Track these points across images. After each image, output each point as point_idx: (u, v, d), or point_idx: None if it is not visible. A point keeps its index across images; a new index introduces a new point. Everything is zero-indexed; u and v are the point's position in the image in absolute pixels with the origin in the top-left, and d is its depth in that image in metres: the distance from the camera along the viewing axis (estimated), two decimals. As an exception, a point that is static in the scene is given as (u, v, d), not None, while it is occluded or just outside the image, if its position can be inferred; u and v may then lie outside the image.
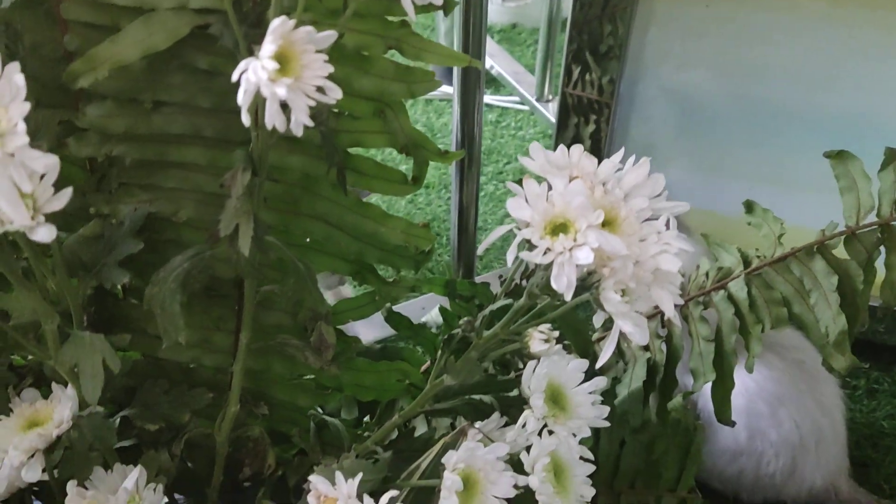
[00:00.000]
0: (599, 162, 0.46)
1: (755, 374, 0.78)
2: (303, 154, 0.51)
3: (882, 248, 0.59)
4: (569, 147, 0.46)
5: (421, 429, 0.71)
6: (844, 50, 0.93)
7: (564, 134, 1.14)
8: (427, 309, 1.05)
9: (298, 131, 0.39)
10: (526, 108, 1.61)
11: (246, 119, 0.38)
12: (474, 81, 0.86)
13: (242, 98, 0.37)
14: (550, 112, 1.52)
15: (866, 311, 0.59)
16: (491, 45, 1.76)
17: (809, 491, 0.86)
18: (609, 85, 1.09)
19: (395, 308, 0.77)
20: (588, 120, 1.13)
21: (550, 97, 1.56)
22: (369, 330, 0.95)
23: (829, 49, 0.94)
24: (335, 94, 0.38)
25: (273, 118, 0.38)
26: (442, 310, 0.80)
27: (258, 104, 0.39)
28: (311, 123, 0.38)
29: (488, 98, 1.67)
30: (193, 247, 0.49)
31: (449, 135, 1.56)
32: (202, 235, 0.52)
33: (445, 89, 1.63)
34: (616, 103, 1.09)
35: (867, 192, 0.60)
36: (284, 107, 0.39)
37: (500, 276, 0.81)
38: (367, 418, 0.78)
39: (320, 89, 0.39)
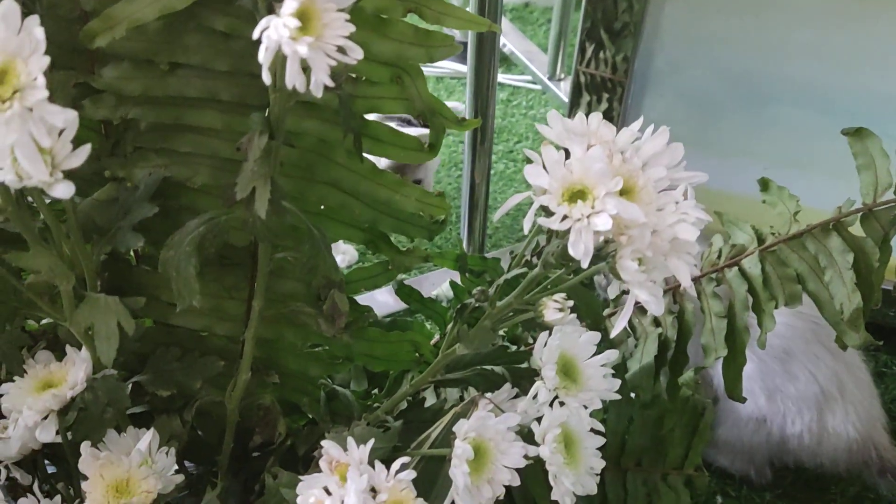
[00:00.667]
0: (616, 135, 0.46)
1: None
2: (319, 119, 0.51)
3: None
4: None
5: (430, 400, 0.71)
6: (863, 30, 0.92)
7: (576, 112, 1.13)
8: (437, 285, 1.05)
9: (318, 92, 0.39)
10: (538, 87, 1.60)
11: (267, 77, 0.37)
12: (488, 58, 0.86)
13: (263, 56, 0.37)
14: (562, 91, 1.51)
15: (880, 289, 0.59)
16: (503, 23, 1.75)
17: (847, 448, 0.83)
18: (623, 63, 1.08)
19: (406, 282, 0.78)
20: (601, 98, 1.13)
21: (563, 76, 1.55)
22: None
23: (847, 29, 0.93)
24: (356, 54, 0.38)
25: (294, 77, 0.38)
26: (452, 284, 0.80)
27: (278, 64, 0.39)
28: (331, 84, 0.38)
29: (500, 77, 1.66)
30: (209, 212, 0.48)
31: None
32: (217, 203, 0.52)
33: (458, 67, 1.62)
34: (630, 81, 1.08)
35: (885, 169, 0.59)
36: (304, 68, 0.38)
37: (511, 252, 0.82)
38: (375, 391, 0.78)
39: (341, 50, 0.38)
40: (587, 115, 0.45)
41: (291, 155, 0.52)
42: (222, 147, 0.51)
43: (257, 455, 0.70)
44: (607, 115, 1.12)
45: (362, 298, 0.63)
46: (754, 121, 1.03)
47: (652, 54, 1.06)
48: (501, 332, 0.83)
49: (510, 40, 1.66)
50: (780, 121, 1.02)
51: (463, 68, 1.17)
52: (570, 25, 1.53)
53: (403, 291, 0.77)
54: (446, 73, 1.64)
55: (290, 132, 0.51)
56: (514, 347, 0.82)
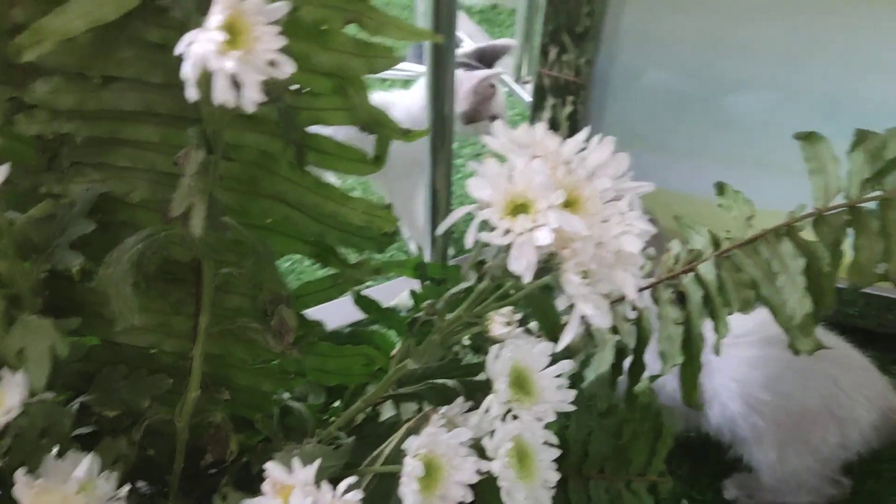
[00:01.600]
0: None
1: (738, 375, 0.78)
2: (260, 132, 0.50)
3: (850, 230, 0.59)
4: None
5: (388, 413, 0.70)
6: (819, 30, 0.92)
7: (541, 115, 1.13)
8: (400, 293, 1.04)
9: (250, 108, 0.38)
10: (504, 89, 1.59)
11: (192, 94, 0.36)
12: (446, 60, 0.85)
13: (189, 72, 0.36)
14: (528, 93, 1.50)
15: (833, 294, 0.59)
16: (470, 25, 1.75)
17: (874, 428, 0.85)
18: (586, 66, 1.08)
19: (368, 291, 0.76)
20: (565, 101, 1.12)
21: (529, 78, 1.55)
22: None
23: (804, 29, 0.93)
24: (288, 68, 0.37)
25: (222, 93, 0.36)
26: (412, 293, 0.79)
27: (206, 79, 0.38)
28: (262, 99, 0.37)
29: (465, 79, 1.65)
30: (148, 228, 0.47)
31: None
32: (157, 217, 0.50)
33: (419, 68, 1.61)
34: (592, 84, 1.08)
35: (836, 174, 0.59)
36: (236, 82, 0.37)
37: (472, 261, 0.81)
38: (336, 403, 0.77)
39: (273, 63, 0.37)
40: (552, 117, 0.44)
41: (233, 168, 0.51)
42: (161, 161, 0.50)
43: (213, 473, 0.69)
44: (572, 118, 1.12)
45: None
46: (715, 122, 1.03)
47: (613, 57, 1.06)
48: (466, 341, 0.82)
49: (477, 42, 1.65)
50: (739, 121, 1.02)
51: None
52: (536, 27, 1.52)
53: (362, 302, 0.76)
54: (412, 76, 1.63)
55: (231, 145, 0.50)
56: (475, 357, 0.81)
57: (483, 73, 1.18)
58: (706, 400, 0.85)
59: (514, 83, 1.55)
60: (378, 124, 0.49)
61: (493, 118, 1.18)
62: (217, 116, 0.42)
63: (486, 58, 1.21)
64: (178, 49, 0.35)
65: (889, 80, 0.90)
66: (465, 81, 1.16)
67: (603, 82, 1.08)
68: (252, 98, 0.37)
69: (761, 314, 0.85)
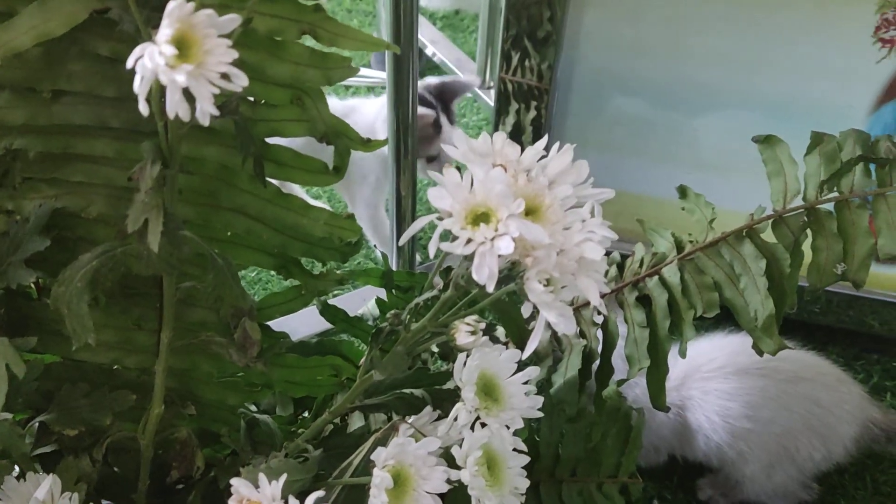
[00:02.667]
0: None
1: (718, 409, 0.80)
2: (219, 145, 0.49)
3: (808, 232, 0.60)
4: (510, 135, 0.45)
5: (357, 424, 0.69)
6: (776, 34, 0.94)
7: (505, 120, 1.13)
8: (368, 300, 1.03)
9: (205, 121, 0.37)
10: (468, 94, 1.60)
11: (144, 108, 0.35)
12: (407, 67, 0.84)
13: (139, 86, 0.35)
14: (492, 99, 1.51)
15: (794, 294, 0.60)
16: (433, 31, 1.75)
17: (855, 439, 0.87)
18: (548, 71, 1.09)
19: (334, 301, 0.76)
20: (529, 106, 1.13)
21: (492, 84, 1.55)
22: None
23: (762, 33, 0.94)
24: (241, 81, 0.37)
25: (175, 107, 0.36)
26: (378, 301, 0.79)
27: (158, 93, 0.37)
28: (216, 112, 0.37)
29: (430, 85, 1.65)
30: (104, 244, 0.46)
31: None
32: (115, 232, 0.49)
33: (382, 75, 1.61)
34: (554, 89, 1.08)
35: (794, 175, 0.60)
36: (191, 95, 0.37)
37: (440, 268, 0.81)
38: (305, 414, 0.76)
39: (225, 76, 0.37)
40: (516, 122, 0.44)
41: (192, 182, 0.51)
42: (117, 176, 0.49)
43: (180, 489, 0.68)
44: (536, 123, 1.12)
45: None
46: (676, 126, 1.04)
47: (575, 62, 1.07)
48: (434, 349, 0.82)
49: (439, 49, 1.66)
50: (701, 125, 1.03)
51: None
52: (499, 33, 1.53)
53: (329, 312, 0.76)
54: (377, 83, 1.63)
55: (189, 158, 0.49)
56: (443, 365, 0.81)
57: (421, 111, 1.07)
58: (693, 433, 0.87)
59: (476, 88, 1.55)
60: (337, 134, 0.49)
61: (430, 159, 1.13)
62: (172, 130, 0.42)
63: (445, 95, 1.17)
64: (129, 63, 0.35)
65: (837, 84, 0.92)
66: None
67: (565, 87, 1.09)
68: (206, 111, 0.36)
69: (730, 345, 0.87)
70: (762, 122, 0.97)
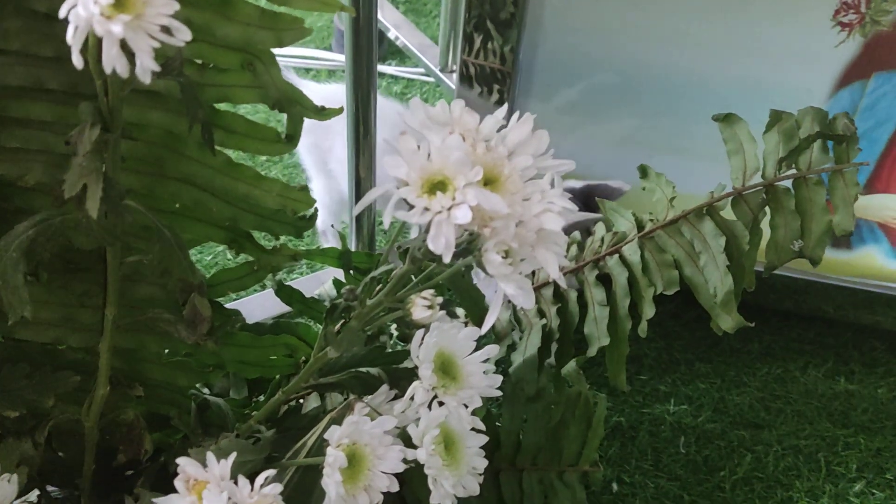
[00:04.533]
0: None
1: None
2: (164, 110, 0.47)
3: (767, 210, 0.60)
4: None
5: (313, 405, 0.68)
6: (738, 19, 0.94)
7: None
8: (325, 283, 1.02)
9: (145, 78, 0.35)
10: (431, 79, 1.58)
11: (78, 62, 0.33)
12: (366, 45, 0.83)
13: (72, 37, 0.33)
14: (454, 83, 1.49)
15: (752, 272, 0.60)
16: (396, 15, 1.73)
17: None
18: (511, 54, 1.07)
19: (291, 283, 0.74)
20: (491, 89, 1.11)
21: (455, 67, 1.53)
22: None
23: (722, 18, 0.95)
24: (183, 35, 0.35)
25: (112, 61, 0.34)
26: (336, 282, 0.77)
27: (95, 47, 0.35)
28: (157, 68, 0.35)
29: (393, 69, 1.63)
30: (40, 213, 0.44)
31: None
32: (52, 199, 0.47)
33: (341, 58, 1.59)
34: (516, 72, 1.07)
35: (753, 153, 0.60)
36: (130, 51, 0.35)
37: (399, 247, 0.79)
38: (260, 397, 0.74)
39: (167, 30, 0.35)
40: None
41: (136, 149, 0.48)
42: (56, 141, 0.46)
43: (129, 474, 0.66)
44: (498, 106, 1.11)
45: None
46: (637, 109, 1.04)
47: (537, 45, 1.06)
48: (393, 330, 0.81)
49: (402, 33, 1.63)
50: (662, 108, 1.03)
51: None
52: (461, 16, 1.51)
53: (284, 292, 0.74)
54: (339, 66, 1.60)
55: (133, 124, 0.47)
56: (401, 345, 0.79)
57: (578, 216, 0.92)
58: None
59: (439, 72, 1.54)
60: (290, 102, 0.47)
61: None
62: (112, 90, 0.40)
63: (591, 198, 0.96)
64: (61, 12, 0.33)
65: (796, 67, 0.93)
66: None
67: (528, 70, 1.08)
68: (147, 67, 0.34)
69: None
70: (722, 105, 0.98)
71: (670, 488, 0.92)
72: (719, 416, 1.00)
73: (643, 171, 0.69)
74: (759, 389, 1.04)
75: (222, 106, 0.49)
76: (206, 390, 0.69)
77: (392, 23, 1.65)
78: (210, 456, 0.45)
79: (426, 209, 0.40)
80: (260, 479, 0.45)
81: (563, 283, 0.52)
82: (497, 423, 0.75)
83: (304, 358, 0.70)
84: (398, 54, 1.67)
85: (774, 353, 1.09)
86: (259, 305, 0.99)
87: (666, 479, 0.93)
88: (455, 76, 1.50)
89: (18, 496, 0.52)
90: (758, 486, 0.93)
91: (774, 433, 0.99)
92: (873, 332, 1.11)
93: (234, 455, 0.46)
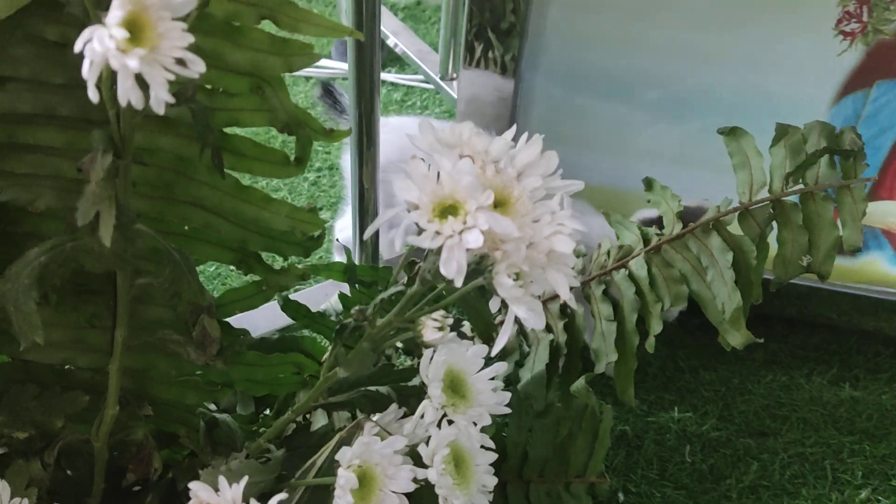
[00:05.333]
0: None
1: None
2: (174, 135, 0.47)
3: (774, 224, 0.60)
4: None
5: (320, 422, 0.68)
6: (741, 30, 0.94)
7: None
8: (330, 295, 1.01)
9: (160, 109, 0.35)
10: (431, 86, 1.58)
11: (93, 95, 0.33)
12: (369, 57, 0.83)
13: (88, 71, 0.33)
14: (455, 90, 1.49)
15: (760, 286, 0.60)
16: (395, 22, 1.73)
17: None
18: (512, 63, 1.08)
19: (296, 295, 0.74)
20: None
21: (455, 75, 1.53)
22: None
23: (724, 25, 0.95)
24: (198, 66, 0.35)
25: (127, 94, 0.34)
26: (341, 296, 0.77)
27: (109, 79, 0.35)
28: (171, 100, 0.35)
29: (393, 77, 1.63)
30: (52, 238, 0.44)
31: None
32: (65, 227, 0.47)
33: (342, 66, 1.59)
34: (518, 81, 1.07)
35: (759, 168, 0.60)
36: (144, 82, 0.35)
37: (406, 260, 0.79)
38: (267, 412, 0.74)
39: (181, 62, 0.35)
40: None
41: (147, 174, 0.48)
42: (66, 167, 0.46)
43: (138, 491, 0.66)
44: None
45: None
46: (640, 119, 1.04)
47: (539, 54, 1.06)
48: (398, 344, 0.81)
49: (401, 40, 1.63)
50: (665, 117, 1.03)
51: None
52: (461, 24, 1.51)
53: (290, 307, 0.74)
54: (339, 74, 1.60)
55: (143, 149, 0.47)
56: (407, 360, 0.79)
57: None
58: None
59: (439, 80, 1.54)
60: (299, 124, 0.47)
61: None
62: (125, 119, 0.40)
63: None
64: (77, 47, 0.33)
65: (798, 76, 0.93)
66: None
67: (530, 79, 1.08)
68: (161, 99, 0.34)
69: None
70: (725, 114, 0.98)
71: (677, 497, 0.92)
72: (724, 425, 1.01)
73: (648, 184, 0.69)
74: (764, 397, 1.04)
75: (231, 130, 0.49)
76: (213, 407, 0.69)
77: (391, 30, 1.65)
78: (222, 480, 0.45)
79: (437, 233, 0.40)
80: (272, 502, 0.45)
81: (573, 304, 0.52)
82: (503, 435, 0.75)
83: (310, 375, 0.71)
84: (397, 61, 1.67)
85: (779, 361, 1.09)
86: (263, 318, 0.99)
87: (672, 487, 0.93)
88: (455, 84, 1.51)
89: (27, 516, 0.52)
90: (764, 495, 0.93)
91: (780, 441, 0.99)
92: (877, 337, 1.11)
93: (245, 478, 0.46)
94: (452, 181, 0.40)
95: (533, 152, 0.44)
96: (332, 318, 0.77)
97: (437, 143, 0.43)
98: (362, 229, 0.96)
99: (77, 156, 0.47)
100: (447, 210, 0.41)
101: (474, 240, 0.39)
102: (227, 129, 0.49)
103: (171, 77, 0.34)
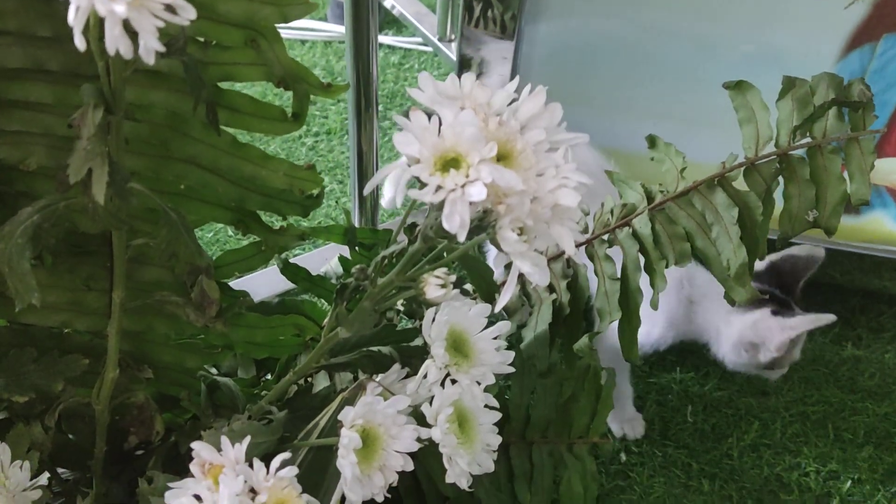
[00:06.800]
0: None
1: None
2: (167, 90, 0.46)
3: (780, 179, 0.59)
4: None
5: (322, 385, 0.67)
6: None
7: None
8: (330, 260, 1.01)
9: (149, 59, 0.34)
10: (429, 49, 1.56)
11: (80, 43, 0.32)
12: (366, 19, 0.81)
13: (74, 18, 0.32)
14: (453, 52, 1.47)
15: (765, 243, 0.59)
16: (392, -16, 1.70)
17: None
18: (512, 21, 1.05)
19: (295, 260, 0.73)
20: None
21: (453, 37, 1.51)
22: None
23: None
24: (188, 13, 0.34)
25: (115, 42, 0.33)
26: (341, 259, 0.76)
27: (97, 28, 0.34)
28: (161, 49, 0.33)
29: (390, 39, 1.61)
30: (45, 197, 0.43)
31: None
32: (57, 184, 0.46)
33: (339, 29, 1.56)
34: (518, 41, 1.05)
35: (766, 122, 0.59)
36: (132, 30, 0.34)
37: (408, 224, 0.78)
38: (268, 376, 0.74)
39: (170, 9, 0.33)
40: (478, 76, 0.42)
41: (140, 130, 0.47)
42: (57, 124, 0.45)
43: (141, 453, 0.66)
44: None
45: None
46: (641, 77, 1.02)
47: (539, 12, 1.04)
48: (399, 306, 0.80)
49: (398, 2, 1.61)
50: (668, 75, 1.01)
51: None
52: (459, -16, 1.48)
53: (290, 270, 0.73)
54: (336, 37, 1.58)
55: (135, 105, 0.46)
56: (408, 323, 0.79)
57: (802, 323, 0.84)
58: None
59: (437, 41, 1.51)
60: (296, 79, 0.46)
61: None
62: (115, 71, 0.39)
63: (786, 273, 0.86)
64: (63, -7, 0.31)
65: (805, 31, 0.91)
66: (778, 331, 0.83)
67: (530, 38, 1.06)
68: (151, 47, 0.33)
69: None
70: (730, 70, 0.96)
71: (678, 457, 0.92)
72: (726, 385, 1.01)
73: (652, 141, 0.68)
74: (767, 356, 1.03)
75: (228, 85, 0.48)
76: (214, 371, 0.69)
77: (389, -7, 1.62)
78: (224, 440, 0.45)
79: (439, 187, 0.39)
80: (275, 462, 0.45)
81: (578, 260, 0.52)
82: (506, 397, 0.75)
83: (311, 337, 0.70)
84: (395, 24, 1.64)
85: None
86: (263, 283, 0.98)
87: (674, 447, 0.93)
88: (453, 46, 1.48)
89: (29, 480, 0.52)
90: (765, 453, 0.93)
91: (782, 400, 0.99)
92: (881, 297, 1.11)
93: (248, 438, 0.45)
94: (454, 133, 0.39)
95: (536, 104, 0.43)
96: (333, 282, 0.76)
97: (438, 94, 0.42)
98: (361, 192, 0.95)
99: (68, 112, 0.45)
100: (449, 163, 0.39)
101: (477, 193, 0.38)
102: (223, 85, 0.48)
103: (161, 24, 0.33)
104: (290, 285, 0.75)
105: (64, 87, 0.44)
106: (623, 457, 0.92)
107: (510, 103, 0.43)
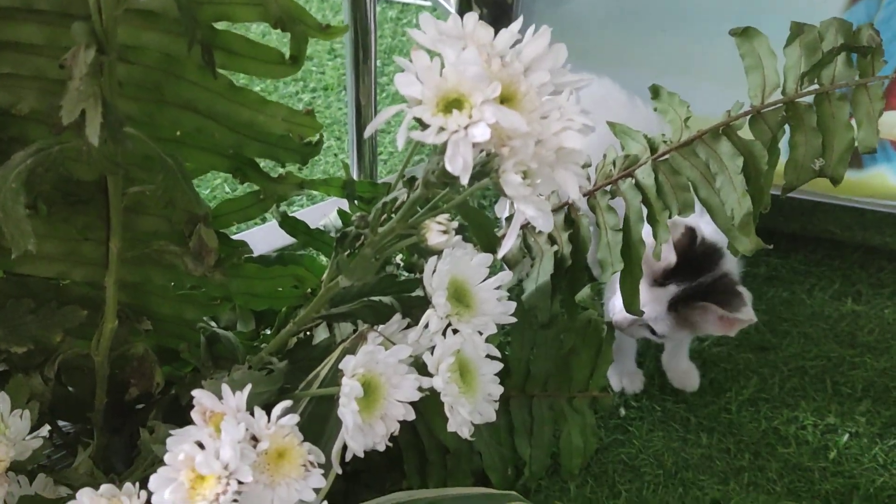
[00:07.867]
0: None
1: None
2: (160, 31, 0.45)
3: (786, 128, 0.58)
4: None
5: (322, 336, 0.67)
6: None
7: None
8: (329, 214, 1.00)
9: (142, -6, 0.33)
10: (428, 3, 1.53)
11: (70, -26, 0.31)
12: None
13: (63, -53, 0.31)
14: (452, 6, 1.44)
15: (769, 193, 0.58)
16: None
17: None
18: (511, -27, 1.03)
19: (294, 215, 0.72)
20: (492, 14, 1.08)
21: (452, -10, 1.48)
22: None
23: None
24: (181, -56, 0.32)
25: (106, -26, 0.32)
26: (340, 212, 0.76)
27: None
28: (154, -19, 0.32)
29: (388, -6, 1.58)
30: (38, 141, 0.42)
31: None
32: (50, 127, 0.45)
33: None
34: (519, -7, 1.03)
35: (773, 69, 0.58)
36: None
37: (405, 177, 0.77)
38: (267, 330, 0.74)
39: (163, -60, 0.32)
40: None
41: (133, 73, 0.46)
42: (49, 66, 0.44)
43: (142, 407, 0.66)
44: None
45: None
46: (646, 29, 1.00)
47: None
48: (398, 259, 0.80)
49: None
50: (671, 27, 1.00)
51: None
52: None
53: (288, 223, 0.72)
54: (331, -8, 1.55)
55: (128, 46, 0.45)
56: (408, 275, 0.78)
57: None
58: None
59: (438, -4, 1.49)
60: (293, 20, 0.45)
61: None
62: (106, 10, 0.37)
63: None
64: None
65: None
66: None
67: (531, -11, 1.04)
68: (144, -21, 0.32)
69: None
70: (733, 20, 0.94)
71: (677, 411, 0.92)
72: (725, 340, 1.01)
73: (655, 92, 0.67)
74: (766, 312, 1.04)
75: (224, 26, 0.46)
76: (213, 324, 0.69)
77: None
78: (225, 388, 0.45)
79: (442, 128, 0.38)
80: (277, 410, 0.45)
81: (583, 206, 0.51)
82: (506, 353, 0.75)
83: (311, 289, 0.70)
84: (391, -24, 1.61)
85: (781, 276, 1.09)
86: (261, 238, 0.98)
87: (672, 402, 0.93)
88: (452, 0, 1.46)
89: (30, 431, 0.52)
90: (763, 407, 0.93)
91: (780, 355, 0.99)
92: (881, 252, 1.10)
93: (249, 387, 0.45)
94: (457, 73, 0.38)
95: (540, 45, 0.42)
96: (332, 235, 0.76)
97: (440, 34, 0.41)
98: (359, 145, 0.94)
99: (59, 54, 0.44)
100: (452, 104, 0.39)
101: (480, 134, 0.37)
102: (218, 26, 0.46)
103: (154, -45, 0.32)
104: (288, 241, 0.75)
105: (55, 27, 0.43)
106: (622, 411, 0.92)
107: (513, 45, 0.42)
